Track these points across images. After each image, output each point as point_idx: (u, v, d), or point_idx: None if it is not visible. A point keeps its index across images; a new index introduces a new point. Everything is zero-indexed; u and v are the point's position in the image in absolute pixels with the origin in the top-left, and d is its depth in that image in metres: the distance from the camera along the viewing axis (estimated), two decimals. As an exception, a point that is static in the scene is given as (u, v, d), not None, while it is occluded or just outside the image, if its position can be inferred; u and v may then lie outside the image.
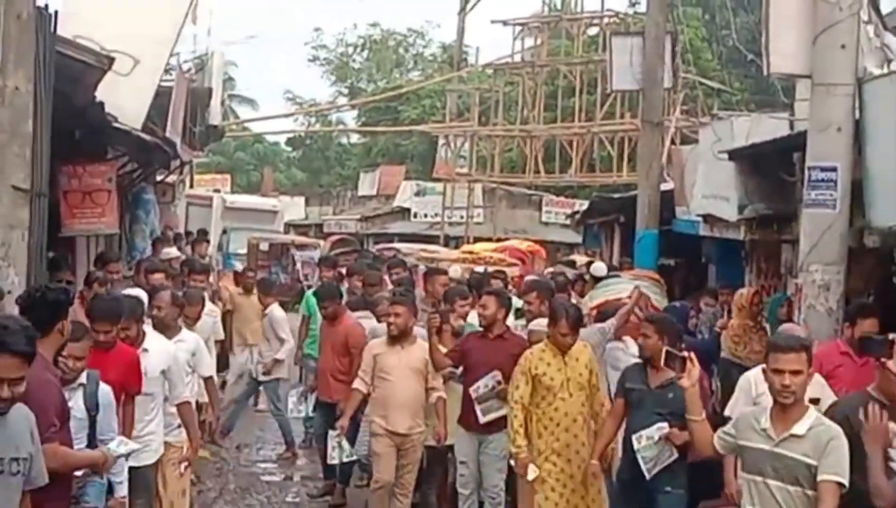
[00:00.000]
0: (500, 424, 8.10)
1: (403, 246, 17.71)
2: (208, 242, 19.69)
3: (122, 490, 5.93)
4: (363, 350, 8.74)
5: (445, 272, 11.43)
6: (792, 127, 11.16)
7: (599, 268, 15.95)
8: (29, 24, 7.08)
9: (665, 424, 6.79)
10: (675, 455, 6.79)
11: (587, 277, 14.02)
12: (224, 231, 28.71)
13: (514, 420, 7.52)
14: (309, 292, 12.11)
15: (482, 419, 8.13)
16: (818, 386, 6.25)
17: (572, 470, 7.50)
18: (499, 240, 22.16)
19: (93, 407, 5.55)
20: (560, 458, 7.50)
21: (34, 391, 4.76)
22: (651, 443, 6.84)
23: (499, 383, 8.11)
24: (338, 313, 9.78)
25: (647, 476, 6.84)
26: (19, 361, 3.98)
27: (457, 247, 23.98)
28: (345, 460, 8.94)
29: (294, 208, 40.79)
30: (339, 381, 9.47)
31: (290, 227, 36.49)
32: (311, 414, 10.66)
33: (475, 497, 8.31)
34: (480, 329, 8.39)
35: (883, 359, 5.46)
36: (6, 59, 6.94)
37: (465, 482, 8.27)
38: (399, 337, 8.37)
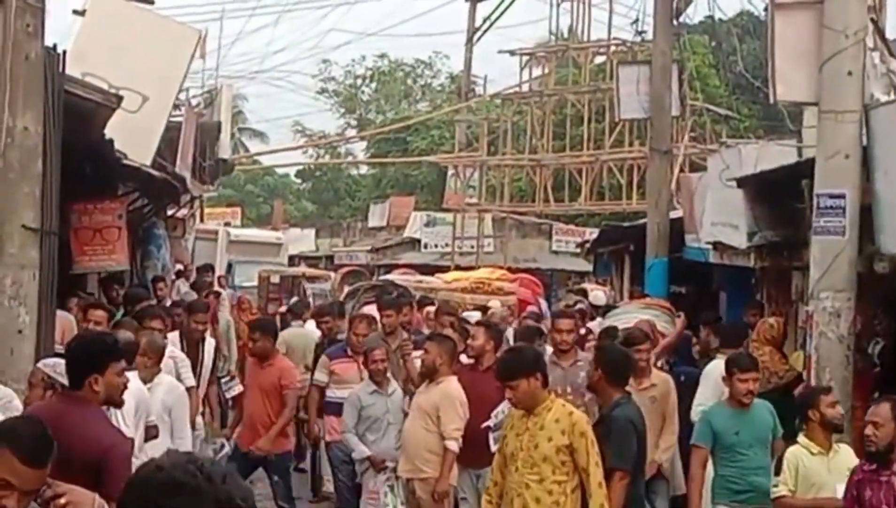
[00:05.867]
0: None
1: (397, 278, 17.23)
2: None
3: None
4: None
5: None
6: (800, 154, 11.15)
7: (598, 297, 16.01)
8: (37, 64, 7.14)
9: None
10: None
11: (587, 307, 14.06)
12: (229, 264, 28.75)
13: (484, 497, 6.41)
14: None
15: (493, 448, 8.03)
16: None
17: None
18: (510, 269, 22.02)
19: None
20: None
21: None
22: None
23: None
24: (268, 352, 8.97)
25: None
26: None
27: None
28: None
29: (304, 240, 40.81)
30: (267, 429, 8.73)
31: (300, 259, 36.49)
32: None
33: None
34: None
35: None
36: (15, 99, 7.00)
37: None
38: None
